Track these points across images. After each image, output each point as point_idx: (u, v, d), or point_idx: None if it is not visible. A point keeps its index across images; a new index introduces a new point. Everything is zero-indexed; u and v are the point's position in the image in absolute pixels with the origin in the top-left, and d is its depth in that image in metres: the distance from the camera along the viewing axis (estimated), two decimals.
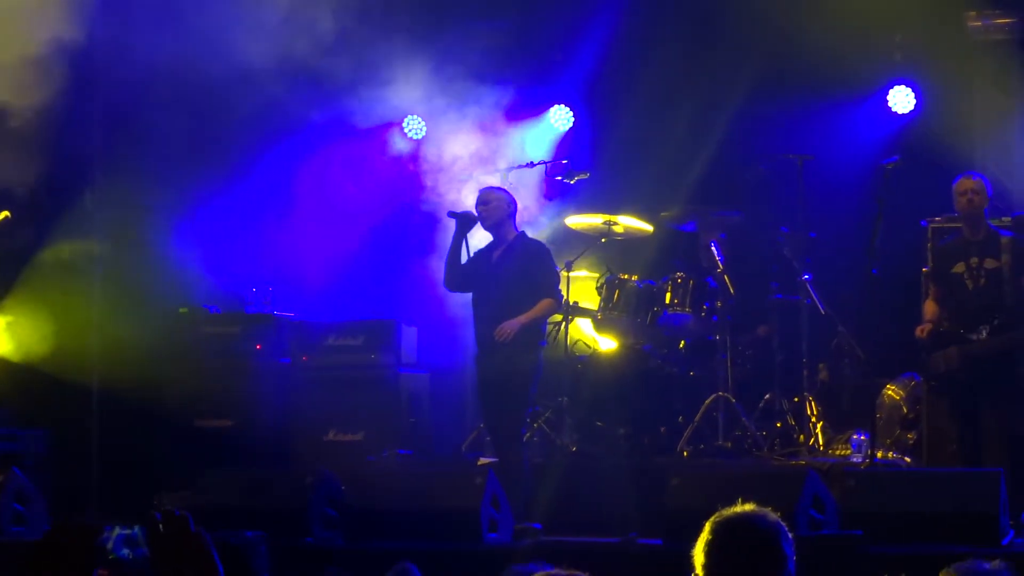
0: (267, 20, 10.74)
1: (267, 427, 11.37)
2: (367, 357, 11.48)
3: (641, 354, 10.73)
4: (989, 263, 9.39)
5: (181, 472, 10.12)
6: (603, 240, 11.21)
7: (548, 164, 11.66)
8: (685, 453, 10.34)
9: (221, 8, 10.59)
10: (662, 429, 10.60)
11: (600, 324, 11.02)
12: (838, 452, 10.35)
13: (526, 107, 12.15)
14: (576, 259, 11.02)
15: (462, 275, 9.66)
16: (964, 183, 9.47)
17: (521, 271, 9.44)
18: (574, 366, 10.83)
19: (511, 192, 9.88)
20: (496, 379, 9.40)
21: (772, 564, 3.66)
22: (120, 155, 11.70)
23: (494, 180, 11.09)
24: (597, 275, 11.17)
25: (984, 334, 9.29)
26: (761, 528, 3.69)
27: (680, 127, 11.71)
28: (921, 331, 9.51)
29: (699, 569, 3.68)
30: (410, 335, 11.69)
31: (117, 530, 4.26)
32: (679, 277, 10.78)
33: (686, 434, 10.43)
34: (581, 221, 11.33)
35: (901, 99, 11.73)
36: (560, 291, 9.94)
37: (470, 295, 9.73)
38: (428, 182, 11.96)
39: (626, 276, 10.92)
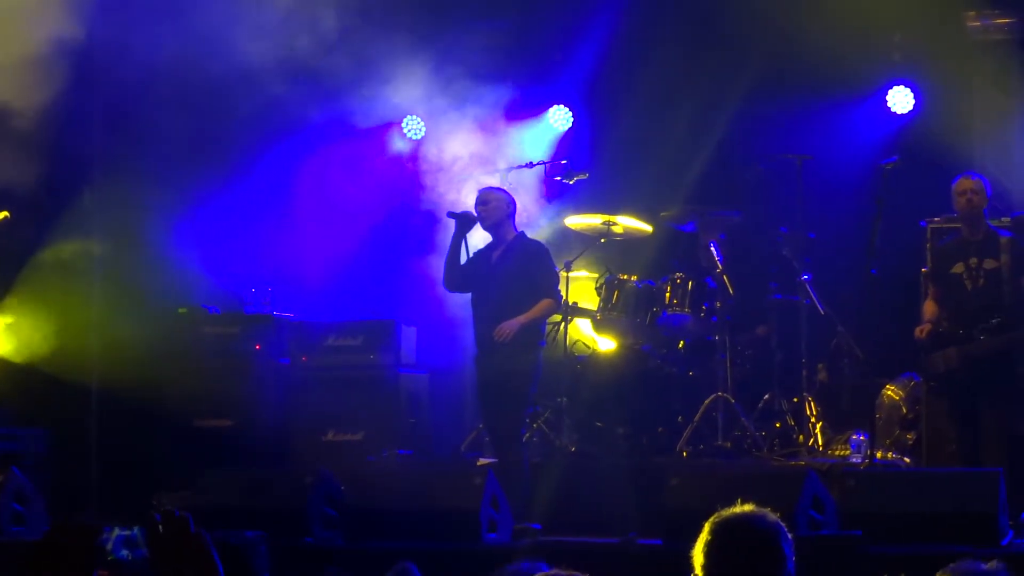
0: (267, 20, 10.75)
1: (267, 427, 11.37)
2: (366, 357, 11.48)
3: (640, 354, 10.73)
4: (988, 263, 9.40)
5: (181, 472, 10.12)
6: (602, 240, 11.21)
7: (547, 164, 11.66)
8: (684, 453, 10.34)
9: (221, 8, 10.60)
10: (661, 429, 10.60)
11: (599, 324, 11.02)
12: (837, 452, 10.35)
13: (525, 107, 12.16)
14: (575, 259, 11.02)
15: (461, 275, 9.66)
16: (963, 183, 9.47)
17: (520, 271, 9.45)
18: (573, 366, 10.83)
19: (510, 192, 9.88)
20: (495, 379, 9.41)
21: (772, 564, 3.66)
22: (120, 155, 11.70)
23: (493, 180, 11.10)
24: (596, 275, 11.17)
25: (981, 338, 9.29)
26: (760, 528, 3.69)
27: (680, 127, 11.71)
28: (920, 331, 9.51)
29: (698, 569, 3.69)
30: (409, 335, 11.69)
31: (116, 531, 4.26)
32: (678, 277, 10.78)
33: (685, 434, 10.43)
34: (580, 221, 11.33)
35: (900, 99, 11.73)
36: (559, 291, 9.94)
37: (469, 295, 9.74)
38: (427, 182, 11.96)
39: (625, 276, 10.92)
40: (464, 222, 9.65)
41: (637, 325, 10.77)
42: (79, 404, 11.74)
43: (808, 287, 10.74)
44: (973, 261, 9.43)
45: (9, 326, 11.45)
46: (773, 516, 3.73)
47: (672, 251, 11.61)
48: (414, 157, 12.24)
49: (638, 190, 11.76)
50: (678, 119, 11.70)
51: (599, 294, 10.93)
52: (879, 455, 9.73)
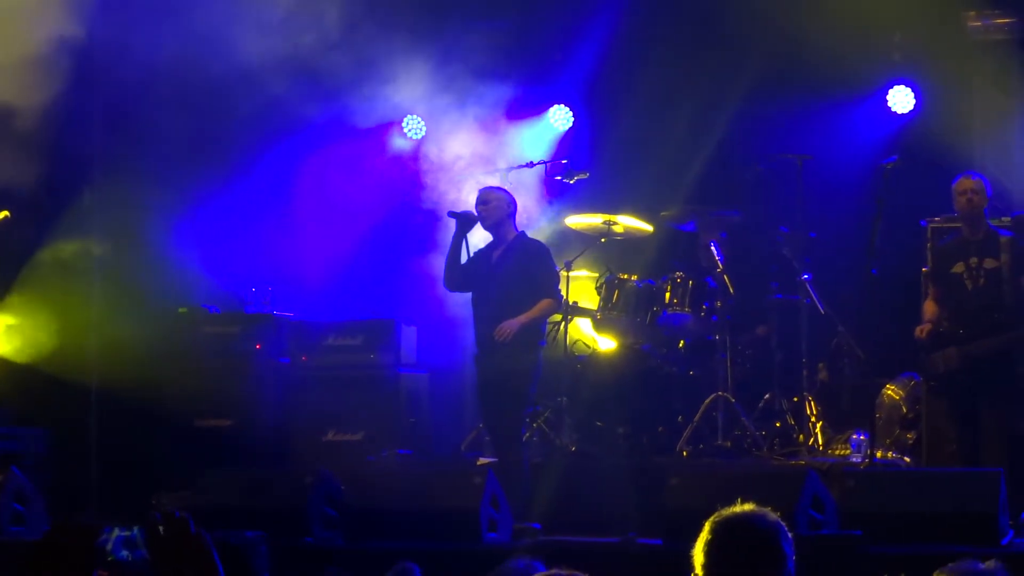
0: (267, 19, 10.74)
1: (266, 427, 11.37)
2: (366, 357, 11.48)
3: (640, 354, 10.73)
4: (988, 263, 9.39)
5: (181, 472, 10.12)
6: (603, 240, 11.21)
7: (548, 164, 11.66)
8: (684, 453, 10.34)
9: (221, 7, 10.60)
10: (661, 429, 10.60)
11: (599, 324, 11.02)
12: (837, 452, 10.35)
13: (526, 107, 12.16)
14: (575, 259, 11.02)
15: (462, 275, 9.66)
16: (963, 183, 9.47)
17: (521, 271, 9.45)
18: (573, 366, 10.83)
19: (511, 192, 9.88)
20: (495, 379, 9.41)
21: (772, 564, 3.66)
22: (120, 155, 11.70)
23: (494, 180, 11.10)
24: (596, 275, 11.17)
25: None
26: (761, 528, 3.69)
27: (680, 127, 11.71)
28: (920, 331, 9.51)
29: (699, 569, 3.69)
30: (409, 335, 11.69)
31: (116, 531, 4.26)
32: (678, 277, 10.78)
33: (685, 434, 10.43)
34: (581, 221, 11.33)
35: (900, 99, 11.73)
36: (560, 291, 9.94)
37: (469, 295, 9.74)
38: (428, 182, 11.97)
39: (625, 276, 10.92)
40: (464, 222, 9.65)
41: (637, 325, 10.77)
42: (79, 404, 11.74)
43: (808, 287, 10.73)
44: (973, 261, 9.43)
45: (9, 326, 11.45)
46: (773, 515, 3.73)
47: (672, 251, 11.61)
48: (414, 157, 12.24)
49: (638, 190, 11.77)
50: (678, 119, 11.70)
51: (599, 293, 10.93)
52: (879, 455, 9.73)
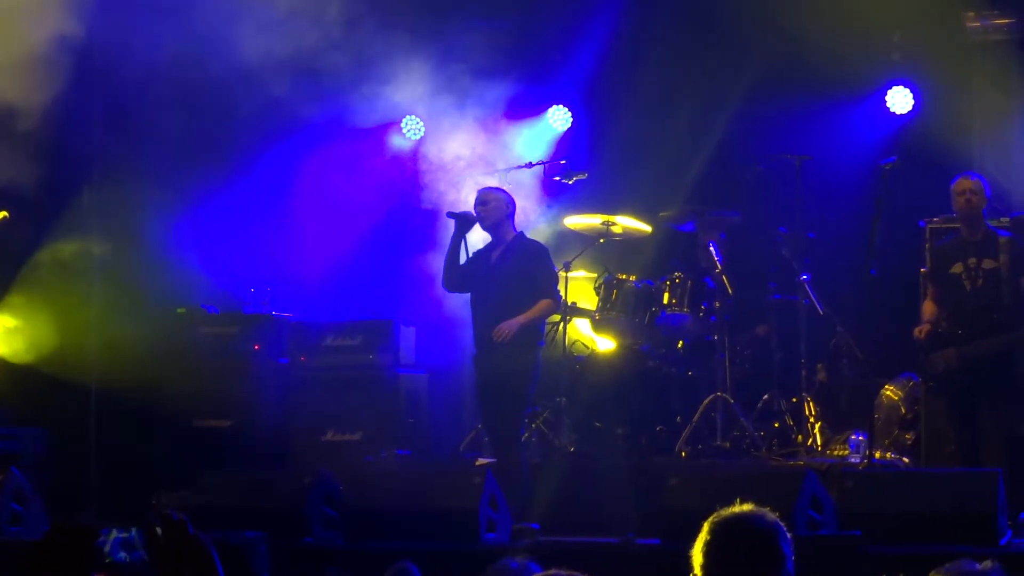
0: (267, 19, 10.74)
1: (266, 427, 11.37)
2: (365, 357, 11.47)
3: (639, 354, 10.73)
4: (987, 263, 9.40)
5: (180, 472, 10.13)
6: (601, 240, 11.22)
7: (546, 164, 11.66)
8: (683, 453, 10.34)
9: (221, 7, 10.60)
10: (660, 429, 10.60)
11: (598, 324, 11.02)
12: (836, 452, 10.35)
13: (525, 107, 12.16)
14: (574, 259, 11.03)
15: (461, 275, 9.66)
16: (962, 183, 9.47)
17: (520, 271, 9.45)
18: (572, 366, 10.84)
19: (510, 192, 9.88)
20: (494, 379, 9.41)
21: (771, 564, 3.66)
22: (120, 155, 11.70)
23: (493, 180, 11.10)
24: (595, 275, 11.17)
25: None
26: (760, 528, 3.69)
27: (679, 127, 11.71)
28: (919, 332, 9.51)
29: (698, 569, 3.69)
30: (408, 335, 11.69)
31: (114, 533, 4.26)
32: (677, 277, 10.78)
33: (684, 434, 10.43)
34: (579, 221, 11.33)
35: (899, 99, 11.73)
36: (558, 291, 9.94)
37: (468, 295, 9.74)
38: (427, 182, 11.96)
39: (624, 276, 10.92)
40: (463, 222, 9.65)
41: (636, 325, 10.77)
42: (79, 404, 11.73)
43: (807, 287, 10.74)
44: (972, 261, 9.43)
45: (9, 327, 11.45)
46: (772, 516, 3.73)
47: (671, 251, 11.61)
48: (413, 157, 12.24)
49: (637, 190, 11.76)
50: (678, 119, 11.71)
51: (598, 294, 10.93)
52: (878, 455, 9.73)
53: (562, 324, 10.94)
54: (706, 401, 10.57)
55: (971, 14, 11.46)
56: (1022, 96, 11.36)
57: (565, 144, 12.34)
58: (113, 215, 11.81)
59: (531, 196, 11.59)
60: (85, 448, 11.77)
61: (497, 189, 9.94)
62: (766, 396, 10.78)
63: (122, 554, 4.25)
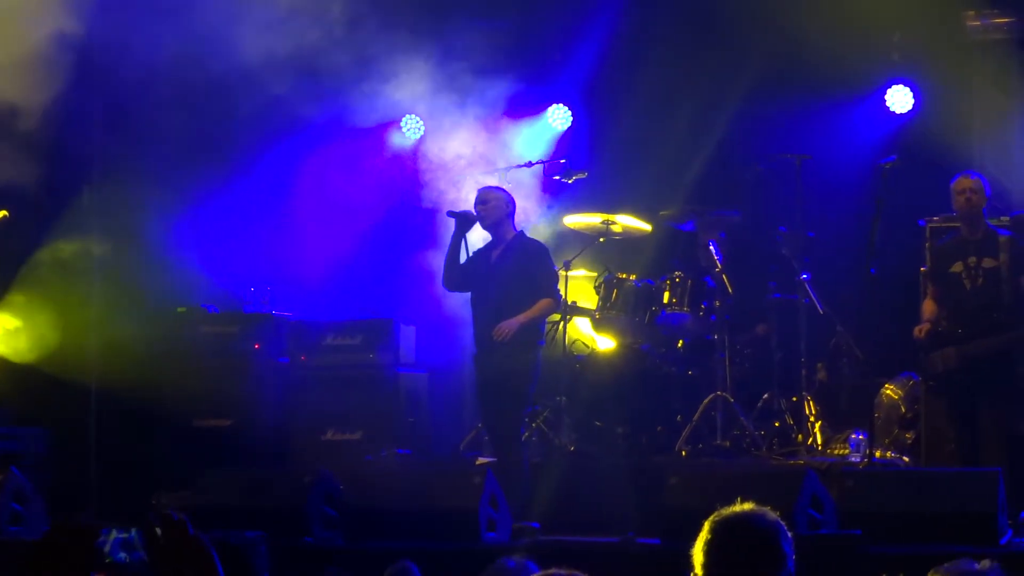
0: (267, 19, 10.74)
1: (266, 427, 11.38)
2: (365, 356, 11.48)
3: (639, 353, 10.73)
4: (987, 262, 9.40)
5: (180, 472, 10.13)
6: (601, 239, 11.21)
7: (546, 163, 11.66)
8: (683, 452, 10.34)
9: (221, 7, 10.60)
10: (660, 428, 10.60)
11: (598, 323, 11.02)
12: (836, 452, 10.35)
13: (525, 106, 12.16)
14: (574, 258, 11.03)
15: (461, 274, 9.66)
16: (962, 182, 9.47)
17: (520, 270, 9.45)
18: (572, 365, 10.84)
19: (510, 191, 9.88)
20: (495, 378, 9.41)
21: (771, 563, 3.66)
22: (120, 155, 11.70)
23: (493, 179, 11.10)
24: (595, 274, 11.17)
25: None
26: (760, 527, 3.69)
27: (679, 127, 11.71)
28: (919, 331, 9.51)
29: (698, 568, 3.69)
30: (408, 334, 11.69)
31: (114, 533, 4.26)
32: (677, 276, 10.78)
33: (684, 433, 10.43)
34: (579, 220, 11.34)
35: (899, 99, 11.73)
36: (559, 291, 9.94)
37: (468, 294, 9.74)
38: (427, 181, 11.96)
39: (624, 275, 10.92)
40: (463, 221, 9.65)
41: (636, 324, 10.77)
42: (79, 404, 11.73)
43: (807, 286, 10.74)
44: (972, 260, 9.43)
45: (9, 327, 11.45)
46: (773, 515, 3.73)
47: (671, 250, 11.61)
48: (413, 156, 12.24)
49: (637, 190, 11.77)
50: (677, 119, 11.71)
51: (598, 293, 10.93)
52: (878, 454, 9.73)
53: (562, 323, 10.94)
54: (706, 400, 10.57)
55: (971, 13, 11.46)
56: (1022, 96, 11.36)
57: (565, 143, 12.34)
58: (113, 215, 11.81)
59: (531, 195, 11.59)
60: (85, 448, 11.77)
61: (497, 188, 9.94)
62: (766, 395, 10.78)
63: (122, 554, 4.25)
